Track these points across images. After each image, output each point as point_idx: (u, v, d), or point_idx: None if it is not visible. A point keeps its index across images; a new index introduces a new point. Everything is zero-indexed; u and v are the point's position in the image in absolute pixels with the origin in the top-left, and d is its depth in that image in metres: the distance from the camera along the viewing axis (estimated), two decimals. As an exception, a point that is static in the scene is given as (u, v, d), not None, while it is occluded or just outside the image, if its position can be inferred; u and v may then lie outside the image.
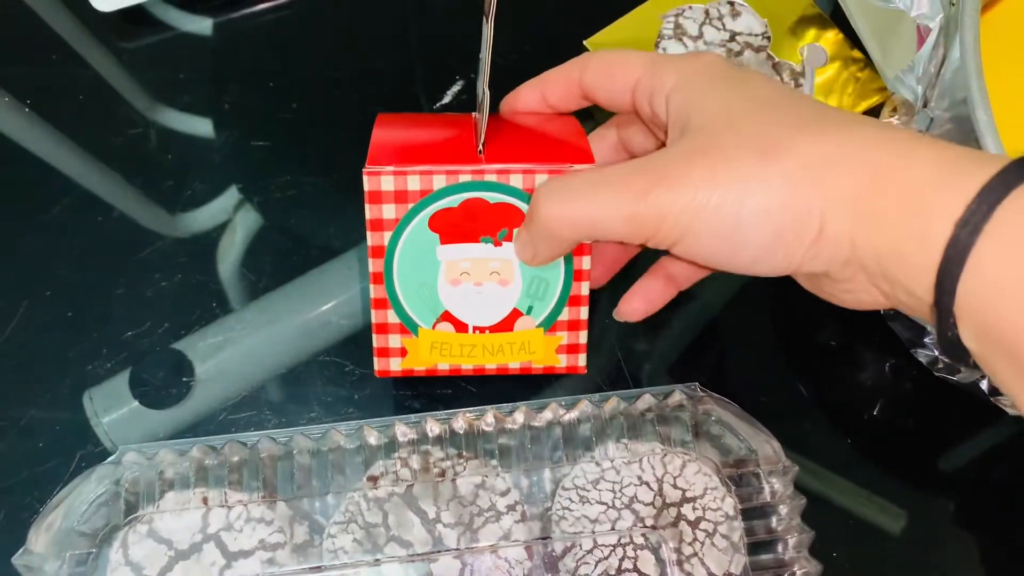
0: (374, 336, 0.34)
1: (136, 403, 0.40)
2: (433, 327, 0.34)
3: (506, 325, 0.34)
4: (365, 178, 0.31)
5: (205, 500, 0.34)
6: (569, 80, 0.33)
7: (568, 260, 0.33)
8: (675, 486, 0.35)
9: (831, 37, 0.43)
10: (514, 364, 0.35)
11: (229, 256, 0.42)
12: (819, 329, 0.42)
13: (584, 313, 0.34)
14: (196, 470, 0.34)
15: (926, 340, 0.40)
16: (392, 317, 0.34)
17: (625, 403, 0.35)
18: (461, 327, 0.34)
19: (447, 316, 0.34)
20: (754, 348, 0.42)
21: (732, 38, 0.42)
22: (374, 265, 0.33)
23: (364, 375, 0.40)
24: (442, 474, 0.34)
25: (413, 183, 0.31)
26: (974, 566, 0.38)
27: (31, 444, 0.39)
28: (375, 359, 0.35)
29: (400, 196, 0.32)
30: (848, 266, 0.26)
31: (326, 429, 0.34)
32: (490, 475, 0.34)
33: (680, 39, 0.42)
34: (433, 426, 0.34)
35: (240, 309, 0.41)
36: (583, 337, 0.35)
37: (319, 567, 0.32)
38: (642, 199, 0.27)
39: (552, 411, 0.35)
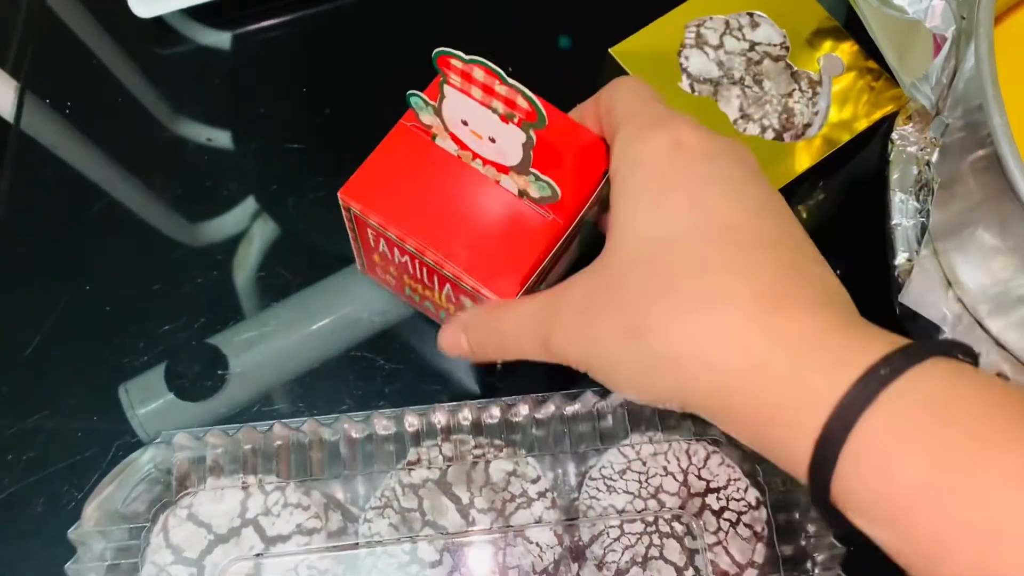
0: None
1: (171, 395, 0.41)
2: None
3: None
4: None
5: (244, 485, 0.35)
6: (595, 114, 0.34)
7: None
8: (699, 477, 0.36)
9: (847, 48, 0.44)
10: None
11: (264, 254, 0.43)
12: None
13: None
14: (239, 453, 0.35)
15: (940, 338, 0.41)
16: None
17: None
18: None
19: None
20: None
21: (752, 48, 0.44)
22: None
23: (394, 370, 0.41)
24: (475, 461, 0.35)
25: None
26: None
27: (70, 434, 0.40)
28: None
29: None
30: None
31: (368, 414, 0.35)
32: (521, 463, 0.35)
33: (702, 48, 0.43)
34: (467, 414, 0.35)
35: (274, 306, 0.42)
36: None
37: (356, 544, 0.33)
38: (546, 345, 0.29)
39: (582, 402, 0.36)
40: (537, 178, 0.31)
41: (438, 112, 0.33)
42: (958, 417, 0.22)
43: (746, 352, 0.24)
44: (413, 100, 0.33)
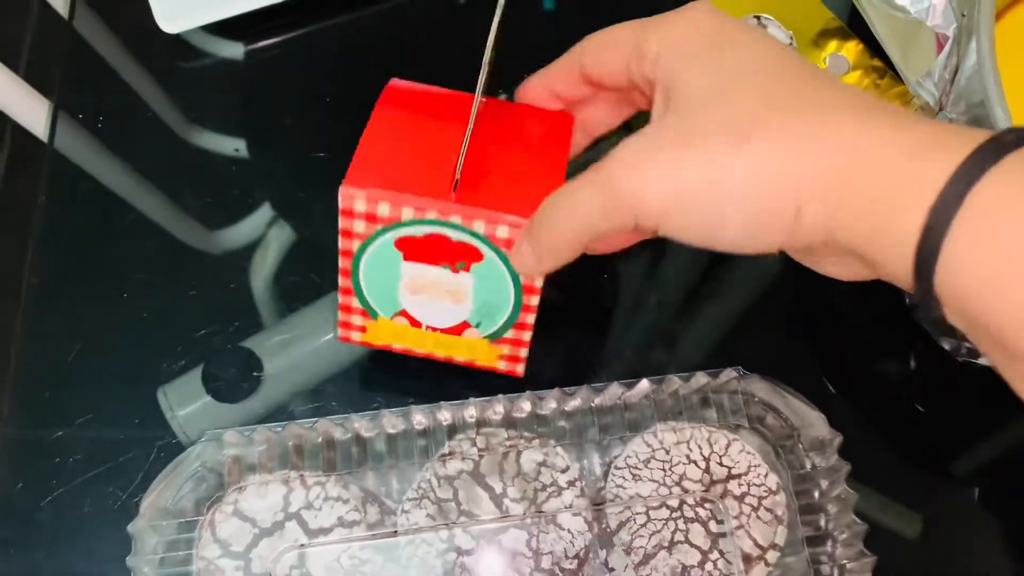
0: (339, 312, 0.37)
1: (209, 397, 0.42)
2: (391, 319, 0.37)
3: (457, 330, 0.37)
4: (340, 195, 0.33)
5: (286, 479, 0.36)
6: (570, 68, 0.34)
7: (518, 297, 0.35)
8: (721, 464, 0.38)
9: (852, 47, 0.46)
10: (460, 358, 0.38)
11: (294, 260, 0.45)
12: (841, 317, 0.45)
13: (527, 336, 0.36)
14: (283, 450, 0.36)
15: None
16: (355, 303, 0.37)
17: (680, 383, 0.37)
18: (416, 323, 0.37)
19: (404, 313, 0.37)
20: (775, 336, 0.44)
21: (760, 49, 0.45)
22: (343, 262, 0.35)
23: (423, 367, 0.43)
24: (507, 452, 0.36)
25: (383, 209, 0.33)
26: (1002, 548, 0.40)
27: (112, 437, 0.41)
28: (338, 328, 0.38)
29: (370, 217, 0.33)
30: (828, 246, 0.26)
31: (405, 409, 0.36)
32: (551, 453, 0.37)
33: (711, 51, 0.45)
34: (499, 407, 0.37)
35: (304, 309, 0.44)
36: (524, 352, 0.37)
37: (395, 532, 0.35)
38: (608, 190, 0.28)
39: (608, 394, 0.37)
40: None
41: None
42: None
43: (863, 134, 0.25)
44: None
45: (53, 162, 0.47)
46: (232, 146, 0.48)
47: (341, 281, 0.36)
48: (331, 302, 0.44)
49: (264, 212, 0.46)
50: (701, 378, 0.37)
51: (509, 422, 0.37)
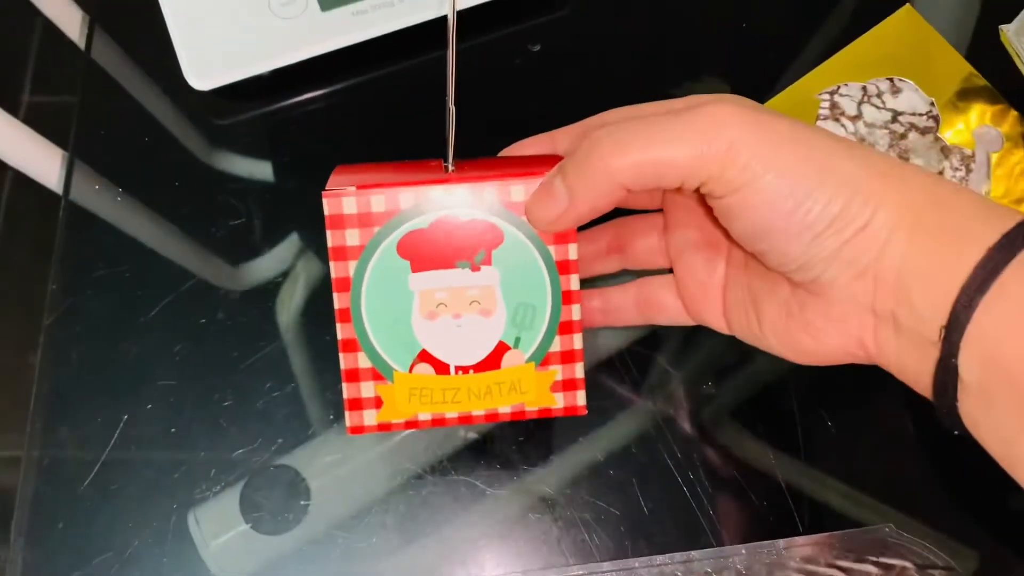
0: (344, 386, 0.31)
1: (248, 527, 0.36)
2: (410, 370, 0.30)
3: (492, 362, 0.31)
4: (324, 201, 0.29)
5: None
6: (587, 126, 0.31)
7: (555, 282, 0.30)
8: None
9: (1000, 113, 0.39)
10: (504, 408, 0.31)
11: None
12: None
13: (578, 342, 0.31)
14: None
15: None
16: (363, 361, 0.30)
17: (823, 548, 0.31)
18: (442, 368, 0.31)
19: (425, 356, 0.30)
20: (917, 483, 0.38)
21: (894, 118, 0.38)
22: (339, 300, 0.30)
23: (496, 496, 0.36)
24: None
25: (378, 204, 0.29)
26: None
27: (137, 578, 0.35)
28: (346, 413, 0.31)
29: (364, 219, 0.29)
30: (861, 278, 0.26)
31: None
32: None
33: (838, 120, 0.38)
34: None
35: (358, 421, 0.38)
36: (580, 371, 0.31)
37: None
38: (709, 128, 0.26)
39: (738, 559, 0.31)
40: None
41: None
42: None
43: (948, 183, 0.27)
44: None
45: (67, 239, 0.41)
46: (272, 217, 0.41)
47: (341, 332, 0.30)
48: (389, 414, 0.38)
49: (310, 304, 0.40)
50: (851, 542, 0.31)
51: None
